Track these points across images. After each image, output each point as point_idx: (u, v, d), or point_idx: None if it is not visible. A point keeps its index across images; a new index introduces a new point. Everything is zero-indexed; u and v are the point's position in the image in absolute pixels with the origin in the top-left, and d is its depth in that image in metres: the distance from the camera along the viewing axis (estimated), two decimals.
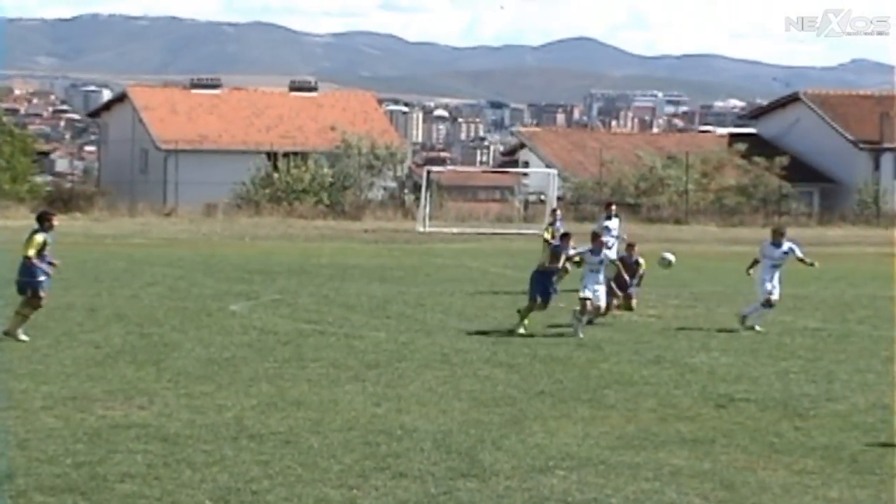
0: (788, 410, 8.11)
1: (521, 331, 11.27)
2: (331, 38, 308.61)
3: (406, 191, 35.84)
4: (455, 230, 29.07)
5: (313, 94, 43.01)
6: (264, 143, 37.73)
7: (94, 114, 49.95)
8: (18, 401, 7.87)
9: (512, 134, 67.69)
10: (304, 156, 35.64)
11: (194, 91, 41.40)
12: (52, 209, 11.74)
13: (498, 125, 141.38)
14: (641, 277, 12.62)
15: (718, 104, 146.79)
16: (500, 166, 49.04)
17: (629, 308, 12.34)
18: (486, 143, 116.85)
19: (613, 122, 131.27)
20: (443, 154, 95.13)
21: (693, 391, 8.75)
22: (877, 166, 39.62)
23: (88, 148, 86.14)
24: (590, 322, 11.50)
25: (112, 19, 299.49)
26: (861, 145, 40.13)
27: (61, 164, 78.30)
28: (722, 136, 45.78)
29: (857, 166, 39.51)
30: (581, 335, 11.09)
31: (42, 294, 10.24)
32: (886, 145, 40.06)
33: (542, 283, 11.50)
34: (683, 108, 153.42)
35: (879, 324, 12.85)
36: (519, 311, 11.55)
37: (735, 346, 10.90)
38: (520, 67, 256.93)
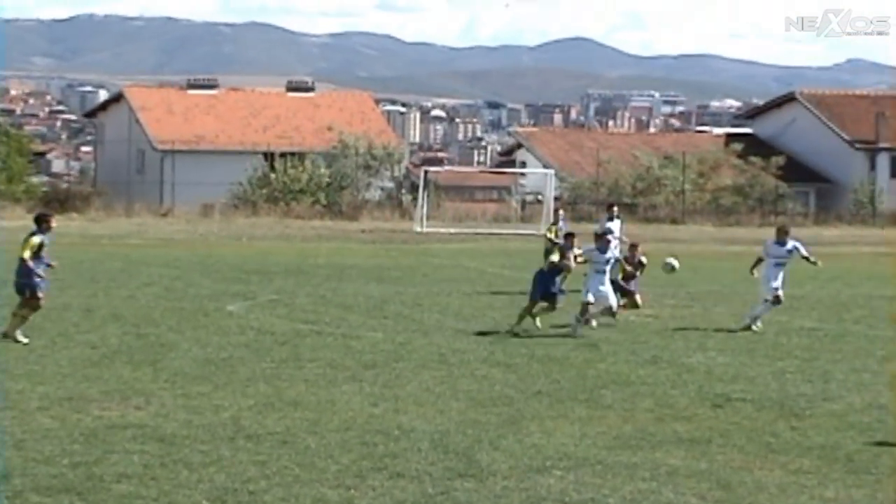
0: (785, 410, 8.12)
1: (537, 325, 11.17)
2: (328, 38, 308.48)
3: (403, 191, 35.83)
4: (452, 230, 29.06)
5: (310, 94, 42.98)
6: (261, 144, 37.70)
7: (91, 114, 49.88)
8: (15, 401, 7.85)
9: (509, 134, 67.74)
10: (301, 156, 35.61)
11: (191, 91, 41.36)
12: (50, 211, 11.70)
13: (495, 125, 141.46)
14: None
15: (715, 104, 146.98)
16: (498, 166, 49.07)
17: (635, 306, 12.32)
18: (483, 143, 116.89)
19: (610, 123, 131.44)
20: (440, 154, 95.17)
21: (690, 391, 8.76)
22: (872, 166, 39.70)
23: (85, 148, 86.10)
24: (611, 315, 11.39)
25: (108, 20, 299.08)
26: (857, 145, 40.20)
27: (58, 165, 78.23)
28: (718, 136, 45.83)
29: (853, 166, 39.58)
30: (579, 334, 11.10)
31: (40, 295, 10.22)
32: (882, 145, 40.14)
33: (544, 284, 11.47)
34: (680, 109, 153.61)
35: (875, 323, 12.87)
36: (531, 315, 11.43)
37: (732, 346, 10.91)
38: (517, 68, 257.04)
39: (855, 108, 41.53)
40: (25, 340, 10.10)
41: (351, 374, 9.20)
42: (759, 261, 12.19)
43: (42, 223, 10.39)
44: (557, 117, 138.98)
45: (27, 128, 66.12)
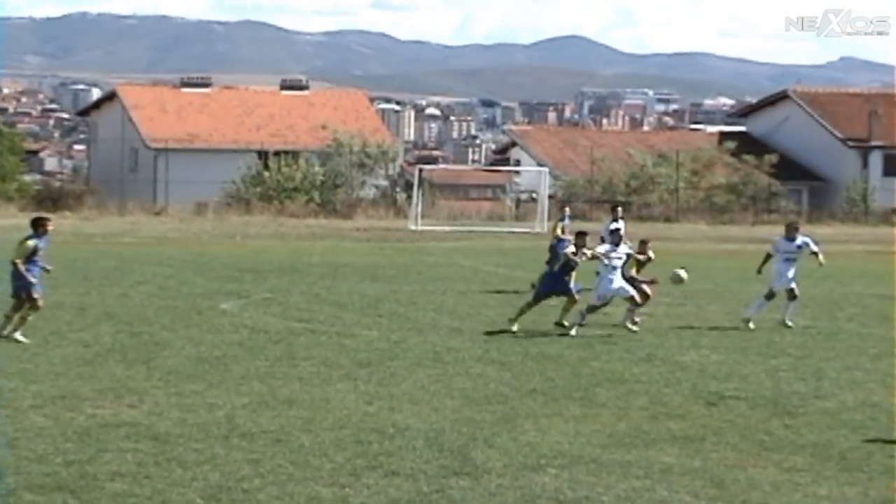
0: (778, 408, 8.14)
1: (565, 323, 11.12)
2: (322, 36, 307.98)
3: (398, 189, 35.81)
4: (447, 228, 29.06)
5: (304, 92, 42.92)
6: (255, 142, 37.64)
7: (84, 112, 49.75)
8: (7, 400, 7.83)
9: (503, 132, 67.77)
10: (295, 154, 35.57)
11: (184, 90, 41.25)
12: (47, 214, 11.67)
13: (490, 123, 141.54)
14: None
15: (708, 102, 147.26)
16: (492, 165, 49.11)
17: (646, 298, 12.30)
18: (477, 141, 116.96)
19: (604, 121, 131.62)
20: (435, 152, 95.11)
21: (684, 389, 8.78)
22: (865, 164, 39.82)
23: (77, 147, 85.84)
24: (637, 306, 11.31)
25: (101, 18, 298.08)
26: (850, 143, 40.31)
27: (50, 163, 78.05)
28: (712, 134, 45.97)
29: (845, 164, 39.70)
30: (576, 332, 11.11)
31: (36, 295, 10.21)
32: (875, 143, 40.27)
33: (552, 284, 11.44)
34: (674, 107, 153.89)
35: (868, 321, 12.91)
36: (559, 324, 11.30)
37: (725, 344, 10.94)
38: (511, 66, 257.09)
39: (848, 106, 41.66)
40: (26, 340, 10.07)
41: (345, 372, 9.19)
42: (767, 258, 12.24)
43: (38, 227, 10.37)
44: (552, 115, 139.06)
45: (20, 126, 65.92)
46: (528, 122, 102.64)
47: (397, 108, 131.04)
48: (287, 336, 10.87)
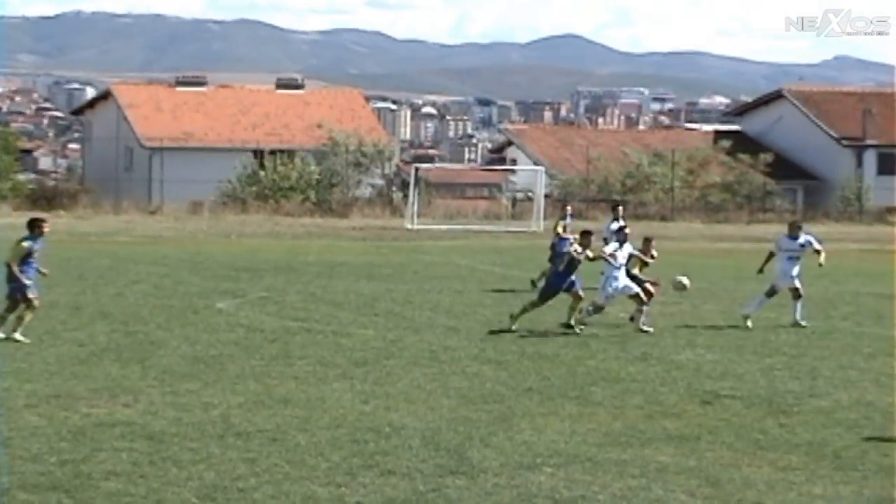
0: (773, 407, 8.15)
1: (572, 323, 11.13)
2: (317, 35, 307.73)
3: (394, 188, 35.80)
4: (443, 227, 29.07)
5: (300, 91, 42.88)
6: (251, 141, 37.59)
7: (78, 111, 49.64)
8: (1, 399, 7.80)
9: (500, 131, 67.74)
10: (290, 153, 35.53)
11: (179, 89, 41.18)
12: (44, 216, 11.65)
13: (486, 122, 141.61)
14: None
15: (704, 101, 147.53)
16: (489, 164, 49.13)
17: (650, 296, 12.31)
18: (474, 140, 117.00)
19: (600, 120, 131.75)
20: (431, 151, 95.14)
21: (679, 388, 8.79)
22: (859, 163, 39.93)
23: (72, 146, 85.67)
24: (644, 304, 11.31)
25: (95, 17, 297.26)
26: (844, 142, 40.41)
27: (45, 162, 77.93)
28: (707, 133, 46.04)
29: (840, 163, 39.79)
30: (581, 329, 11.17)
31: (31, 296, 10.19)
32: (869, 142, 40.37)
33: (557, 283, 11.44)
34: (669, 106, 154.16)
35: (862, 320, 12.94)
36: (566, 325, 11.28)
37: (720, 343, 10.95)
38: (507, 65, 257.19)
39: (842, 104, 41.76)
40: (26, 340, 10.04)
41: (341, 371, 9.18)
42: (770, 257, 12.25)
43: (35, 228, 10.35)
44: (548, 114, 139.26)
45: (13, 125, 65.76)
46: (525, 121, 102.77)
47: (393, 107, 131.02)
48: (283, 335, 10.86)
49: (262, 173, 34.40)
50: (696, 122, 78.25)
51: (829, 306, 14.16)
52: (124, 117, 39.42)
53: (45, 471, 6.07)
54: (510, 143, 44.07)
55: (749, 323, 11.90)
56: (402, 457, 6.50)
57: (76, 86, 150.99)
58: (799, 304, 12.08)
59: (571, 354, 10.14)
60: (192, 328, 11.14)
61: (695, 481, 6.20)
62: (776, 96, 43.68)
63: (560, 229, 14.86)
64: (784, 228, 13.12)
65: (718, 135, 43.24)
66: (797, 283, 12.05)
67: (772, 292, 12.17)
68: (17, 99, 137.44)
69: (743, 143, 40.44)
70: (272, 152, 35.34)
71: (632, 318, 11.65)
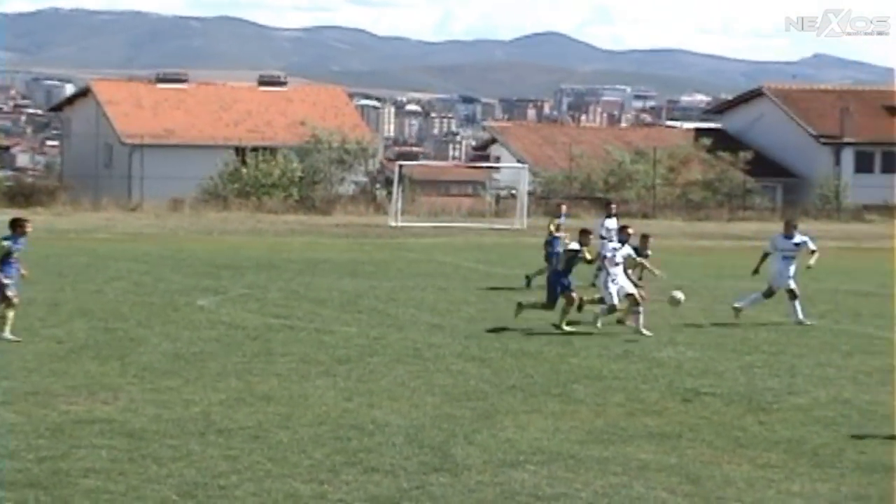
0: (752, 405, 8.22)
1: (564, 328, 11.18)
2: (300, 32, 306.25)
3: (377, 185, 35.72)
4: (427, 225, 29.03)
5: (282, 88, 42.68)
6: (232, 138, 37.36)
7: (57, 108, 49.10)
8: None
9: (483, 129, 67.78)
10: (273, 150, 35.36)
11: (160, 85, 40.85)
12: (26, 216, 11.53)
13: (469, 120, 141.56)
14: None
15: (685, 99, 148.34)
16: (472, 161, 49.14)
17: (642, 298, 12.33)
18: (457, 137, 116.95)
19: (583, 117, 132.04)
20: (415, 149, 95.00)
21: (660, 385, 8.84)
22: (837, 161, 40.26)
23: (50, 143, 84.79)
24: (637, 305, 11.34)
25: (74, 13, 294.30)
26: (822, 140, 40.75)
27: (22, 159, 77.07)
28: (688, 130, 46.23)
29: (818, 161, 40.11)
30: (599, 325, 11.31)
31: (10, 294, 10.09)
32: (847, 140, 40.72)
33: (559, 283, 11.46)
34: (651, 103, 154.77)
35: (840, 318, 13.06)
36: (556, 326, 11.27)
37: (701, 341, 11.03)
38: (491, 62, 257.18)
39: (821, 102, 42.08)
40: (15, 338, 9.93)
41: (324, 368, 9.16)
42: (765, 257, 12.27)
43: (16, 228, 10.26)
44: (531, 112, 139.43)
45: None
46: (508, 119, 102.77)
47: (377, 104, 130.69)
48: (265, 332, 10.82)
49: (243, 170, 34.19)
50: (677, 119, 78.60)
51: (807, 304, 14.22)
52: (104, 114, 39.05)
53: (23, 468, 6.02)
54: (494, 141, 44.11)
55: (737, 318, 11.90)
56: (386, 454, 6.49)
57: (55, 82, 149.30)
58: (797, 304, 12.08)
59: (554, 352, 10.17)
60: (172, 325, 11.07)
61: (675, 479, 6.24)
62: (756, 94, 43.97)
63: (553, 227, 14.90)
64: (769, 227, 13.19)
65: (699, 133, 43.47)
66: (792, 284, 12.05)
67: (769, 293, 12.18)
68: None
69: (723, 141, 40.68)
70: (254, 149, 35.15)
71: (619, 321, 11.67)
